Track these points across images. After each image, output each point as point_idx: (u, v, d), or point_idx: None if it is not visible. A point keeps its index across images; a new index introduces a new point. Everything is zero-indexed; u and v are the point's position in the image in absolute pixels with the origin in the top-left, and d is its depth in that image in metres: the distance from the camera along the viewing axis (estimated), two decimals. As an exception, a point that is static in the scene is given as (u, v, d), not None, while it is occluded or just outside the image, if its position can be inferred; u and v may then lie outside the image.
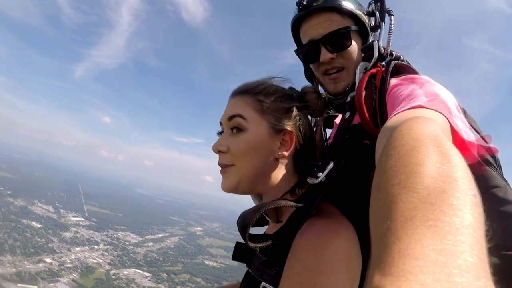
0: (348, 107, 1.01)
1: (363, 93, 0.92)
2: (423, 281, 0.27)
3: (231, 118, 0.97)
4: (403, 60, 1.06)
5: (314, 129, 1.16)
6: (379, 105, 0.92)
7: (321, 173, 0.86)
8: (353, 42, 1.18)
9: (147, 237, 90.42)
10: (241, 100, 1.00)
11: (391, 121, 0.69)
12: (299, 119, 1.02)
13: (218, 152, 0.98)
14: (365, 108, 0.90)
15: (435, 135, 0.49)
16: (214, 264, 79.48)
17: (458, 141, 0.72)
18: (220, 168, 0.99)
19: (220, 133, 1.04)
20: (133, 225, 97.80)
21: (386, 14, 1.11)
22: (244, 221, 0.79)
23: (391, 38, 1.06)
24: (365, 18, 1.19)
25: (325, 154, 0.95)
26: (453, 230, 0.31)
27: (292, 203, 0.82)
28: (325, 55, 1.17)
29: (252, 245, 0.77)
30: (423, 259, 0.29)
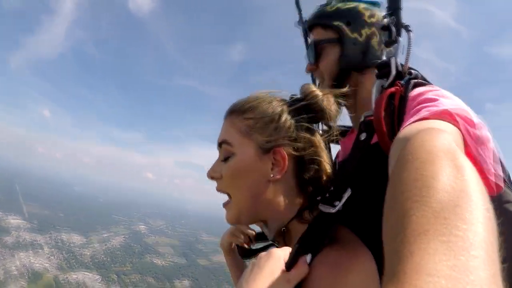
0: (364, 127, 0.90)
1: (383, 114, 0.85)
2: None
3: (219, 145, 0.92)
4: (421, 78, 1.00)
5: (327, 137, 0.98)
6: (398, 126, 0.84)
7: (338, 202, 0.79)
8: (328, 53, 1.23)
9: (91, 237, 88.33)
10: (229, 122, 0.93)
11: (403, 132, 0.68)
12: (295, 128, 0.89)
13: (212, 178, 0.93)
14: (385, 130, 0.83)
15: (448, 148, 0.48)
16: (163, 262, 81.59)
17: (469, 156, 0.70)
18: (218, 204, 0.95)
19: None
20: (75, 226, 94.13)
21: (403, 29, 1.04)
22: None
23: (409, 55, 1.01)
24: (345, 28, 1.20)
25: (339, 177, 0.88)
26: (467, 245, 0.32)
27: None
28: (308, 66, 1.28)
29: None
30: (436, 274, 0.29)
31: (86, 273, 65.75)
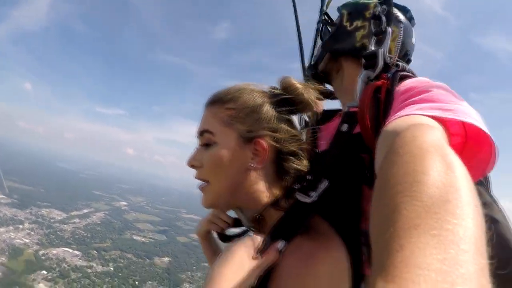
0: (347, 118, 0.90)
1: (368, 108, 0.84)
2: None
3: (201, 133, 0.93)
4: (408, 71, 0.97)
5: (305, 127, 1.06)
6: (383, 120, 0.81)
7: (314, 193, 0.80)
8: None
9: (72, 213, 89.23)
10: (210, 111, 0.94)
11: (393, 125, 0.67)
12: (277, 119, 0.92)
13: (192, 166, 0.93)
14: (369, 124, 0.82)
15: (438, 144, 0.49)
16: (143, 239, 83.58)
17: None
18: (199, 182, 0.94)
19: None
20: (56, 201, 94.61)
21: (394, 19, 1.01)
22: None
23: (399, 47, 1.00)
24: (344, 17, 1.25)
25: (317, 167, 0.88)
26: (456, 240, 0.32)
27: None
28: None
29: None
30: (426, 267, 0.29)
31: (66, 249, 66.82)
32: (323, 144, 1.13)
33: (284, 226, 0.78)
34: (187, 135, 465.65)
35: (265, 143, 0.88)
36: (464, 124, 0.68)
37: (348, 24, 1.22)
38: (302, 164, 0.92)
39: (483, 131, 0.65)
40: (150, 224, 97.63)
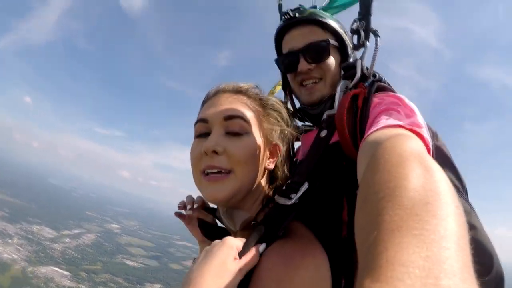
0: (326, 125, 0.96)
1: (345, 113, 0.89)
2: (412, 286, 0.29)
3: (229, 118, 0.87)
4: (384, 82, 1.05)
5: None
6: (360, 127, 0.88)
7: (295, 194, 0.81)
8: (331, 56, 1.21)
9: (63, 232, 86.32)
10: (238, 99, 0.91)
11: (373, 136, 0.72)
12: (286, 132, 1.00)
13: (213, 152, 0.84)
14: (347, 129, 0.87)
15: (418, 152, 0.53)
16: (135, 264, 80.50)
17: None
18: (207, 173, 0.85)
19: (202, 135, 0.91)
20: (47, 219, 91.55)
21: (372, 34, 1.08)
22: None
23: (375, 59, 1.05)
24: (346, 37, 1.23)
25: (297, 172, 0.89)
26: (438, 238, 0.34)
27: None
28: (303, 65, 1.19)
29: None
30: (410, 265, 0.31)
31: (55, 268, 64.03)
32: (302, 151, 1.23)
33: (265, 228, 0.78)
34: (183, 161, 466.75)
35: (281, 147, 0.97)
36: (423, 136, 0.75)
37: (349, 41, 1.26)
38: (284, 168, 1.00)
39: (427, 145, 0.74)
40: (143, 249, 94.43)
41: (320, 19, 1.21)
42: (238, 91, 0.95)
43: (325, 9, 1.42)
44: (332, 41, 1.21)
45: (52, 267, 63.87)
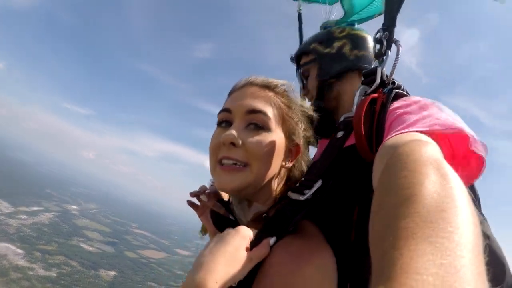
0: (343, 127, 0.99)
1: (363, 115, 0.91)
2: None
3: (252, 112, 0.87)
4: (403, 90, 1.04)
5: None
6: (376, 130, 0.89)
7: (308, 191, 0.82)
8: (309, 73, 1.39)
9: (20, 208, 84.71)
10: (265, 95, 0.90)
11: (391, 141, 0.70)
12: (307, 133, 1.00)
13: (232, 143, 0.83)
14: (363, 131, 0.88)
15: (434, 158, 0.52)
16: (90, 248, 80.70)
17: None
18: (221, 163, 0.85)
19: (223, 122, 0.91)
20: (5, 192, 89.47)
21: (394, 44, 1.11)
22: None
23: (395, 67, 1.06)
24: (320, 48, 1.37)
25: (312, 170, 0.93)
26: (453, 246, 0.34)
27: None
28: (301, 93, 1.44)
29: None
30: (424, 273, 0.31)
31: (9, 245, 63.44)
32: (318, 155, 1.27)
33: (277, 223, 0.79)
34: (152, 149, 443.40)
35: (301, 147, 0.96)
36: (448, 138, 0.75)
37: (329, 49, 1.36)
38: (301, 167, 0.99)
39: (470, 145, 0.72)
40: (99, 233, 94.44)
41: (301, 50, 1.47)
42: (266, 86, 0.92)
43: (341, 22, 1.54)
44: (311, 59, 1.41)
45: (6, 244, 63.20)
